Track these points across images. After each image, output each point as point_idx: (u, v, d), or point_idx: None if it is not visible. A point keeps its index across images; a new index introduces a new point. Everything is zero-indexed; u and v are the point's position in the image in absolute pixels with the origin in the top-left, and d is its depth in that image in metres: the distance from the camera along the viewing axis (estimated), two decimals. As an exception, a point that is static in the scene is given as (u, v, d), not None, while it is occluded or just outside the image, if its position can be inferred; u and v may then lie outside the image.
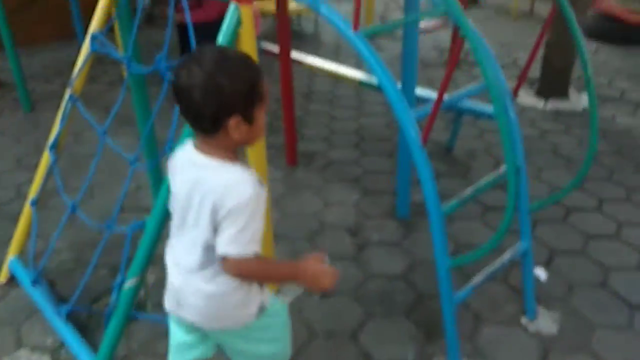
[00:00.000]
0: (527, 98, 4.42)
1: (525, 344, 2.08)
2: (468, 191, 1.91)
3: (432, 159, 1.75)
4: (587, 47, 4.02)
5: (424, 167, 1.68)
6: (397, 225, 2.82)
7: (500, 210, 2.86)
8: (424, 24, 4.66)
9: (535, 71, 5.00)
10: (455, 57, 1.66)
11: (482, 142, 3.73)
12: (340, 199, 3.08)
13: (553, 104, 4.26)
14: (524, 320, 2.18)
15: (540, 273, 2.43)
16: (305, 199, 3.10)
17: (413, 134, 1.67)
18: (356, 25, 1.71)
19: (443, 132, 3.76)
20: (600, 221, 2.85)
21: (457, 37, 1.74)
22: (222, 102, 1.16)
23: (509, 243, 2.12)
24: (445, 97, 1.74)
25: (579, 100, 4.33)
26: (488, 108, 3.38)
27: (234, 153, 1.28)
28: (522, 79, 2.22)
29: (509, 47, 5.85)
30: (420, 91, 3.12)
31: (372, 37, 1.84)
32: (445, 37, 5.82)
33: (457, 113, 3.45)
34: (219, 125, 1.19)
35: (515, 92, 2.16)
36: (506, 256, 2.03)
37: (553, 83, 4.29)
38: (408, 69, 2.51)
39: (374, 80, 3.76)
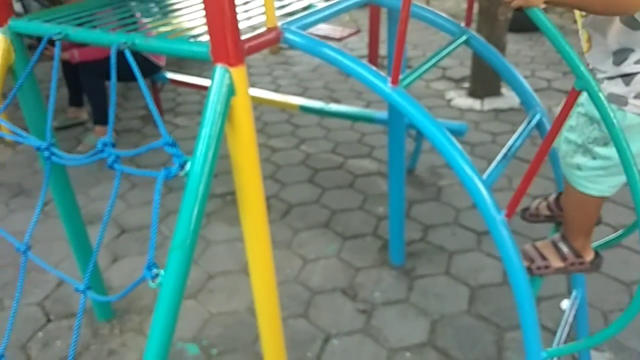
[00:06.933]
0: (462, 100, 4.29)
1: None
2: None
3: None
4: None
5: (517, 272, 1.33)
6: (396, 275, 2.46)
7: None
8: (339, 32, 4.35)
9: (455, 70, 4.93)
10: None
11: (438, 156, 3.49)
12: (318, 253, 2.66)
13: (489, 104, 4.17)
14: None
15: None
16: (279, 258, 2.64)
17: (493, 212, 1.31)
18: (396, 79, 1.31)
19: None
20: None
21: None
22: None
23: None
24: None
25: (512, 96, 4.29)
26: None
27: None
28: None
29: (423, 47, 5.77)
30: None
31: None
32: (358, 44, 5.58)
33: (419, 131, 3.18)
34: None
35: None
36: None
37: (485, 82, 4.19)
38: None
39: (314, 104, 3.39)
